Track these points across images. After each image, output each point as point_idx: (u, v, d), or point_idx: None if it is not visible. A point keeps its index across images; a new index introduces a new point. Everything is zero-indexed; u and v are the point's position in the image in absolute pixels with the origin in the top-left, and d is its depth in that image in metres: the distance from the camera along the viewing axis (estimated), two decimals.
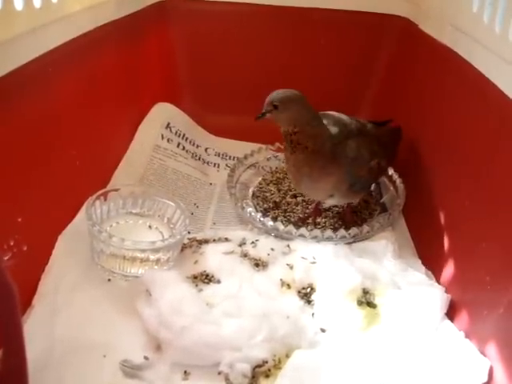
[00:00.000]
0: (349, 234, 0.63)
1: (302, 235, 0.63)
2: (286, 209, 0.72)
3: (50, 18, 0.55)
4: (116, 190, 0.61)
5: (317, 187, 0.64)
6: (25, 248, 0.49)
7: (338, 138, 0.62)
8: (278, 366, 0.48)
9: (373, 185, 0.76)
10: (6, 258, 0.46)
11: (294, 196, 0.74)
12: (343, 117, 0.66)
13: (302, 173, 0.63)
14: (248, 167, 0.79)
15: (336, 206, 0.72)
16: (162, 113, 0.83)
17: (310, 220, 0.70)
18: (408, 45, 0.84)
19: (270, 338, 0.49)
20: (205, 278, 0.55)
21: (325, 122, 0.63)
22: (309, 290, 0.55)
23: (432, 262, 0.62)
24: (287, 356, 0.48)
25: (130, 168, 0.73)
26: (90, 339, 0.48)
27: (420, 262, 0.63)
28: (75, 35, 0.61)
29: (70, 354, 0.46)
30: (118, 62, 0.74)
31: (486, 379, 0.45)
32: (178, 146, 0.81)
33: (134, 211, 0.62)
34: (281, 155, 0.79)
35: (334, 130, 0.63)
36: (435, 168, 0.69)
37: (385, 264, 0.60)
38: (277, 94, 0.61)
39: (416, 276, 0.59)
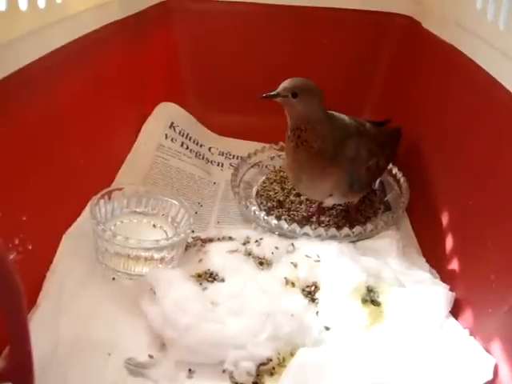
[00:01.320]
0: (353, 232, 0.63)
1: (306, 234, 0.63)
2: (290, 207, 0.72)
3: (53, 18, 0.55)
4: (120, 189, 0.62)
5: (316, 187, 0.64)
6: (29, 247, 0.49)
7: (340, 139, 0.62)
8: (282, 364, 0.48)
9: (377, 183, 0.76)
10: (11, 257, 0.47)
11: (298, 195, 0.74)
12: (344, 117, 0.66)
13: (302, 171, 0.63)
14: (252, 166, 0.79)
15: (340, 205, 0.72)
16: (166, 112, 0.83)
17: (313, 218, 0.70)
18: (411, 43, 0.84)
19: (274, 336, 0.49)
20: (209, 277, 0.55)
21: None
22: (313, 288, 0.55)
23: (436, 261, 0.62)
24: (291, 354, 0.48)
25: (133, 167, 0.73)
26: (95, 337, 0.48)
27: (424, 260, 0.63)
28: (79, 35, 0.61)
29: (74, 352, 0.46)
30: (122, 62, 0.74)
31: (491, 377, 0.45)
32: (181, 145, 0.81)
33: (138, 210, 0.62)
34: (284, 154, 0.79)
35: (336, 130, 0.62)
36: (439, 166, 0.69)
37: (389, 262, 0.60)
38: (299, 81, 0.58)
39: (420, 274, 0.59)
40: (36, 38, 0.52)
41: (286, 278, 0.56)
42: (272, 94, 0.59)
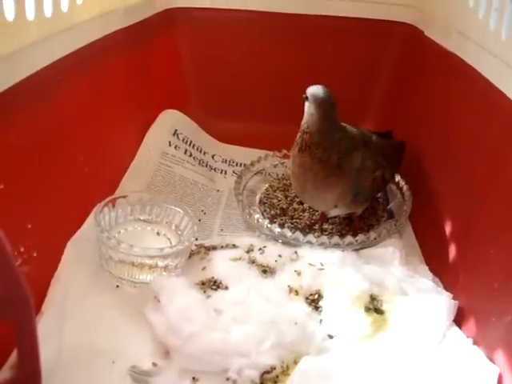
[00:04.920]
0: (356, 240, 0.63)
1: (309, 242, 0.63)
2: (293, 215, 0.72)
3: (60, 27, 0.56)
4: (124, 197, 0.62)
5: (321, 197, 0.64)
6: (34, 254, 0.50)
7: (345, 151, 0.63)
8: (286, 372, 0.48)
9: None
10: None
11: (301, 202, 0.74)
12: (352, 129, 0.66)
13: (306, 178, 0.63)
14: (255, 174, 0.79)
15: None
16: (170, 120, 0.84)
17: (316, 226, 0.70)
18: (413, 51, 0.84)
19: (277, 344, 0.49)
20: (213, 285, 0.55)
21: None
22: (316, 296, 0.55)
23: (439, 269, 0.62)
24: (295, 362, 0.48)
25: (137, 175, 0.73)
26: (99, 345, 0.48)
27: (427, 268, 0.63)
28: (84, 43, 0.61)
29: (78, 360, 0.46)
30: (126, 70, 0.75)
31: None
32: (185, 152, 0.82)
33: (142, 218, 0.63)
34: (287, 162, 0.79)
35: (342, 143, 0.63)
36: (442, 174, 0.69)
37: (392, 271, 0.60)
38: (313, 89, 0.61)
39: (423, 283, 0.59)
40: (42, 46, 0.53)
41: (289, 286, 0.56)
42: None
